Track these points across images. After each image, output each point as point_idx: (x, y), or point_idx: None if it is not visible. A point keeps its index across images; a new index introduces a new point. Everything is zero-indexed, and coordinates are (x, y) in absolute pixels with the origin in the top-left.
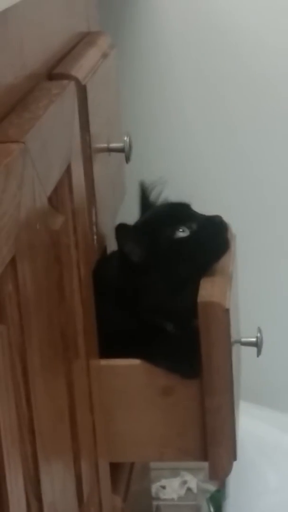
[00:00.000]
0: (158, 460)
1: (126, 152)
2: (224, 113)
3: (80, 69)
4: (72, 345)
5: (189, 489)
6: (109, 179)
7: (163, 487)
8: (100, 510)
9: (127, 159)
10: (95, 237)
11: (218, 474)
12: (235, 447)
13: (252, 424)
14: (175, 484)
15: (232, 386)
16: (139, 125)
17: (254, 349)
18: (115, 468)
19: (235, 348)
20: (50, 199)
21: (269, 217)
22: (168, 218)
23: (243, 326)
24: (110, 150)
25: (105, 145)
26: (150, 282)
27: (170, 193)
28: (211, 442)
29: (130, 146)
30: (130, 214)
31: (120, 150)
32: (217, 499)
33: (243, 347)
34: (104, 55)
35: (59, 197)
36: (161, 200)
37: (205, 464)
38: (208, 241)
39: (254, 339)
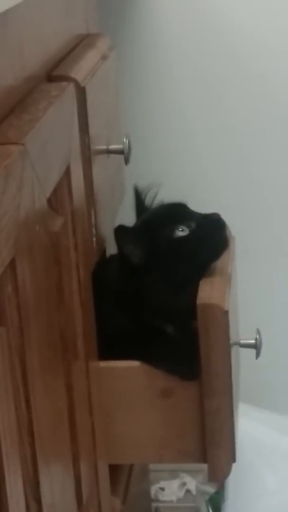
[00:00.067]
0: (157, 462)
1: (125, 154)
2: (223, 114)
3: (79, 71)
4: (72, 347)
5: (188, 491)
6: (108, 180)
7: (162, 489)
8: None
9: (126, 160)
10: (94, 238)
11: (217, 476)
12: (234, 449)
13: (251, 426)
14: (174, 486)
15: (231, 388)
16: (138, 126)
17: (253, 351)
18: (114, 470)
19: (234, 350)
20: (49, 201)
21: (268, 218)
22: (167, 218)
23: (242, 328)
24: (109, 151)
25: (104, 146)
26: (150, 282)
27: (169, 195)
28: (210, 444)
29: (129, 147)
30: (130, 215)
31: (119, 151)
32: (216, 501)
33: (242, 349)
34: (103, 57)
35: (58, 198)
36: (156, 203)
37: (204, 466)
38: (207, 239)
39: (253, 341)
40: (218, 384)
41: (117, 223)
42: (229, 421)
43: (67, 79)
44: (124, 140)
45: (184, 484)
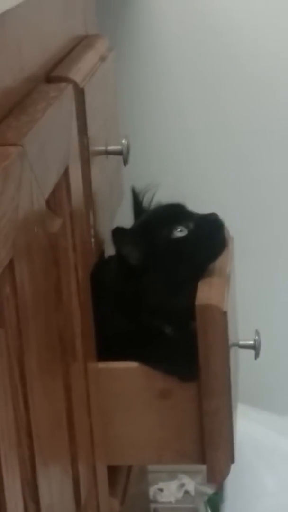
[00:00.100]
0: (156, 463)
1: (124, 155)
2: (222, 115)
3: (78, 72)
4: (70, 348)
5: (186, 492)
6: (107, 182)
7: (161, 490)
8: None
9: (125, 162)
10: (93, 239)
11: (216, 477)
12: (233, 450)
13: (250, 427)
14: (172, 487)
15: (230, 389)
16: (137, 127)
17: (252, 352)
18: (112, 471)
19: (232, 351)
20: (48, 202)
21: (267, 219)
22: (165, 218)
23: (241, 329)
24: (108, 153)
25: (103, 148)
26: (149, 283)
27: (167, 195)
28: (209, 444)
29: (128, 149)
30: (128, 216)
31: (118, 153)
32: (215, 502)
33: (240, 350)
34: (102, 58)
35: (57, 200)
36: (153, 204)
37: (203, 467)
38: (206, 240)
39: (252, 342)
40: (217, 385)
41: (116, 224)
42: (228, 422)
43: (66, 80)
44: (123, 141)
45: (182, 485)
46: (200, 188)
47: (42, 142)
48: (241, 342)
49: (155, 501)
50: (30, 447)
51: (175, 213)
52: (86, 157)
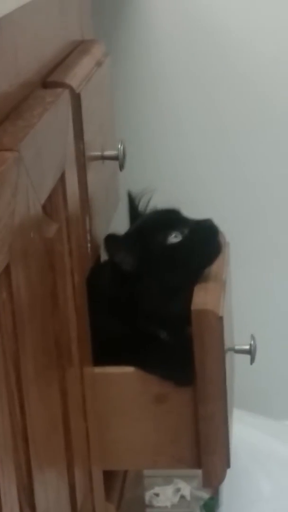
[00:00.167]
0: (152, 468)
1: (120, 160)
2: (218, 120)
3: (74, 77)
4: (66, 352)
5: (182, 497)
6: (103, 187)
7: (157, 495)
8: None
9: (121, 166)
10: (89, 244)
11: (212, 482)
12: (229, 454)
13: (246, 431)
14: (168, 492)
15: (226, 393)
16: (133, 133)
17: (248, 357)
18: (108, 476)
19: (228, 356)
20: (44, 207)
21: (263, 224)
22: (160, 224)
23: (236, 334)
24: (104, 158)
25: (99, 153)
26: (143, 289)
27: (163, 200)
28: (204, 449)
29: (124, 154)
30: (124, 221)
31: (114, 158)
32: (211, 507)
33: (236, 355)
34: (98, 63)
35: (53, 205)
36: (149, 208)
37: (199, 472)
38: (200, 246)
39: (247, 347)
40: (213, 389)
41: (112, 228)
42: (224, 427)
43: (62, 85)
44: (119, 146)
45: (178, 489)
46: (196, 193)
47: (38, 147)
48: (236, 347)
49: (151, 506)
50: (26, 452)
51: (170, 218)
52: (82, 162)
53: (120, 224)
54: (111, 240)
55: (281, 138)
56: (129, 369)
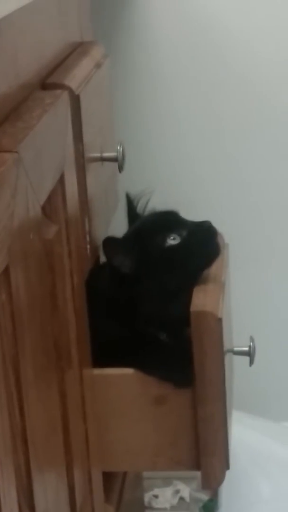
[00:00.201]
0: (151, 469)
1: (119, 162)
2: (217, 122)
3: (74, 78)
4: (65, 354)
5: (181, 498)
6: (102, 188)
7: (156, 496)
8: None
9: (120, 168)
10: (88, 246)
11: (211, 483)
12: (228, 456)
13: (245, 433)
14: (167, 493)
15: (225, 395)
16: (132, 134)
17: (247, 358)
18: (108, 477)
19: (227, 357)
20: (43, 209)
21: (261, 226)
22: (158, 226)
23: (235, 335)
24: (103, 159)
25: (98, 154)
26: (142, 291)
27: (162, 202)
28: (203, 451)
29: (123, 155)
30: (123, 223)
31: (113, 159)
32: (210, 509)
33: (235, 356)
34: (97, 65)
35: (52, 206)
36: (148, 210)
37: (198, 473)
38: (199, 248)
39: (246, 349)
40: (212, 391)
41: (111, 230)
42: (223, 429)
43: (61, 87)
44: (118, 147)
45: (177, 491)
46: (195, 194)
47: (37, 149)
48: (235, 349)
49: (150, 508)
50: (25, 454)
51: (168, 220)
52: (81, 163)
53: (119, 225)
54: (109, 243)
55: (279, 139)
56: (128, 371)
